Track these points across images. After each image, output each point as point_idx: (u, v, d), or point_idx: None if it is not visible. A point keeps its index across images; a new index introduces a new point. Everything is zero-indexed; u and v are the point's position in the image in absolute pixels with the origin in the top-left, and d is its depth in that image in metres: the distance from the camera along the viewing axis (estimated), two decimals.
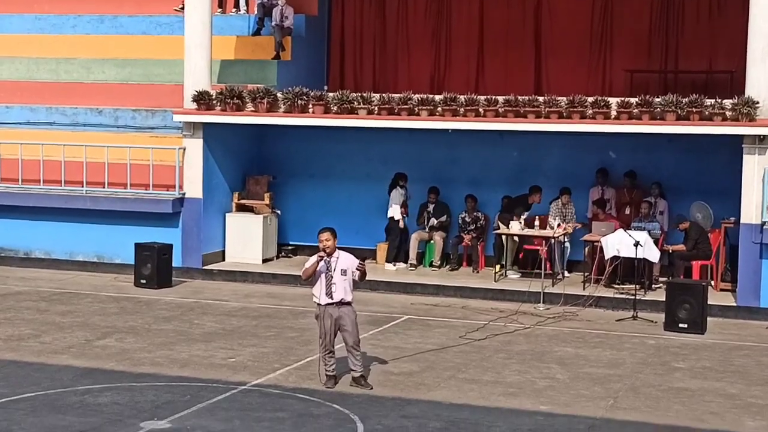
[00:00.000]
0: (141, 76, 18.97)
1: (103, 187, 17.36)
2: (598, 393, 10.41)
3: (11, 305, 14.46)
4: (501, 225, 16.45)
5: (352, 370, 10.38)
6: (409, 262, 17.16)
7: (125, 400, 9.79)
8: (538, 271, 15.26)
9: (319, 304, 10.29)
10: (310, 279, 10.32)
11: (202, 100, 16.72)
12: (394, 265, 17.12)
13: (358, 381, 10.36)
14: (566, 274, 16.43)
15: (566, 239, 16.39)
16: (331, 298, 10.19)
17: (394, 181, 17.22)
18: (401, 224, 17.17)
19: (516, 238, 16.49)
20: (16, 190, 17.79)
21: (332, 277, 10.17)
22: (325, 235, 10.23)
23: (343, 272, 10.19)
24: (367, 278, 10.67)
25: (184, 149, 17.06)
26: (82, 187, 17.47)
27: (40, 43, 19.95)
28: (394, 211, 17.15)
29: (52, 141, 17.81)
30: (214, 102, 16.78)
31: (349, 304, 10.28)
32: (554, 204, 16.55)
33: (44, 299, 14.98)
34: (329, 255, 10.19)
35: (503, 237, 16.42)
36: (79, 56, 19.55)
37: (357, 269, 10.19)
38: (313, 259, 10.22)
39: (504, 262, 16.58)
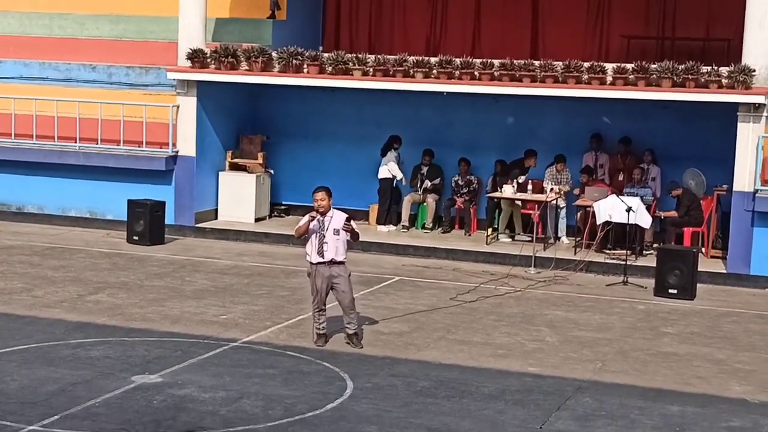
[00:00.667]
0: (135, 32, 18.84)
1: (96, 144, 17.32)
2: (586, 356, 10.49)
3: (4, 259, 14.48)
4: (500, 189, 16.40)
5: (346, 327, 10.43)
6: (401, 223, 17.20)
7: (117, 354, 9.85)
8: (530, 234, 15.30)
9: (311, 263, 10.31)
10: (303, 237, 10.33)
11: (197, 58, 16.65)
12: (386, 226, 17.14)
13: (351, 339, 10.42)
14: (565, 240, 16.42)
15: (560, 202, 16.40)
16: (323, 257, 10.21)
17: (389, 143, 17.19)
18: (401, 180, 17.03)
19: (519, 202, 16.44)
20: (9, 145, 17.74)
21: (324, 236, 10.18)
22: (320, 195, 10.22)
23: (336, 232, 10.20)
24: (360, 239, 10.68)
25: (178, 107, 17.01)
26: (76, 143, 17.42)
27: None
28: (391, 170, 17.04)
29: (45, 96, 17.74)
30: (209, 60, 16.71)
31: (341, 263, 10.30)
32: (549, 170, 16.56)
33: (37, 254, 14.99)
34: (323, 214, 10.19)
35: (501, 201, 16.42)
36: (73, 11, 19.39)
37: (343, 228, 10.17)
38: (306, 218, 10.24)
39: (496, 226, 16.62)
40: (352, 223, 10.26)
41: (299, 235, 10.32)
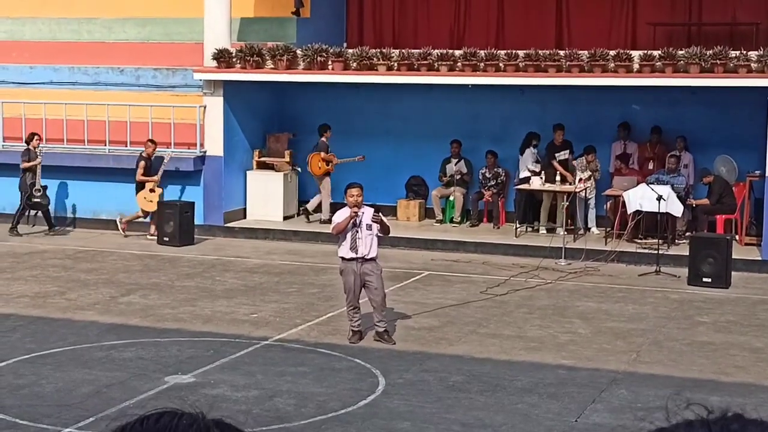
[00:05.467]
0: (161, 34, 18.90)
1: (126, 146, 17.41)
2: (620, 347, 10.39)
3: (37, 263, 14.59)
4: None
5: (376, 326, 10.40)
6: (451, 218, 17.16)
7: (150, 355, 9.89)
8: (553, 226, 15.19)
9: (343, 259, 10.27)
10: (340, 234, 10.28)
11: (222, 58, 16.69)
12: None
13: (382, 336, 10.38)
14: (595, 230, 16.30)
15: (589, 194, 16.28)
16: (356, 253, 10.16)
17: (527, 140, 16.64)
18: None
19: (568, 198, 16.05)
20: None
21: (358, 232, 10.13)
22: (356, 191, 10.15)
23: (369, 227, 10.15)
24: (390, 234, 10.62)
25: (205, 107, 17.07)
26: (105, 146, 17.52)
27: (62, 3, 19.86)
28: (530, 167, 16.39)
29: (75, 100, 17.85)
30: (234, 60, 16.74)
31: (373, 260, 10.24)
32: (579, 161, 16.42)
33: (69, 257, 15.09)
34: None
35: (543, 193, 16.30)
36: (101, 16, 19.47)
37: (372, 220, 10.09)
38: (346, 214, 10.16)
39: (525, 217, 16.57)
40: (381, 215, 10.23)
41: (338, 231, 10.23)
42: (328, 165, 16.95)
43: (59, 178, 17.80)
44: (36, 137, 16.81)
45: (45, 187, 16.83)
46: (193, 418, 1.45)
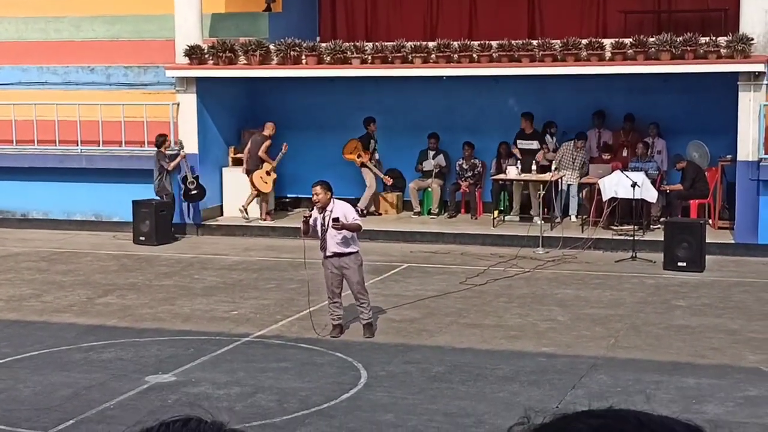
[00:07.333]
0: (131, 32, 18.76)
1: (98, 146, 17.29)
2: (599, 333, 10.47)
3: (11, 266, 14.47)
4: (509, 168, 16.31)
5: (360, 318, 10.38)
6: (414, 210, 17.20)
7: (129, 356, 9.84)
8: (525, 215, 15.23)
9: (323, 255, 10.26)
10: (313, 231, 10.23)
11: (194, 54, 16.60)
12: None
13: (365, 328, 10.35)
14: (573, 218, 16.35)
15: (566, 184, 16.32)
16: (325, 252, 10.12)
17: (543, 129, 16.69)
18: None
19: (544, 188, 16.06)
20: (10, 152, 17.72)
21: (326, 231, 10.06)
22: (316, 189, 10.02)
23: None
24: (361, 230, 10.49)
25: (178, 105, 16.98)
26: (77, 146, 17.39)
27: (28, 3, 19.70)
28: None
29: (45, 101, 17.70)
30: (206, 56, 16.66)
31: (350, 254, 10.15)
32: (566, 145, 16.38)
33: (44, 259, 14.99)
34: (323, 209, 10.05)
35: (512, 183, 16.35)
36: (69, 14, 19.30)
37: (332, 227, 9.93)
38: (315, 215, 10.12)
39: (502, 208, 16.60)
40: (343, 220, 9.92)
41: (303, 234, 10.26)
42: (358, 157, 16.96)
43: (32, 180, 17.66)
44: (166, 140, 16.32)
45: (197, 177, 16.49)
46: (217, 426, 1.49)
